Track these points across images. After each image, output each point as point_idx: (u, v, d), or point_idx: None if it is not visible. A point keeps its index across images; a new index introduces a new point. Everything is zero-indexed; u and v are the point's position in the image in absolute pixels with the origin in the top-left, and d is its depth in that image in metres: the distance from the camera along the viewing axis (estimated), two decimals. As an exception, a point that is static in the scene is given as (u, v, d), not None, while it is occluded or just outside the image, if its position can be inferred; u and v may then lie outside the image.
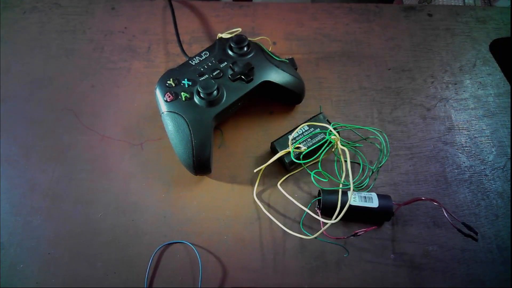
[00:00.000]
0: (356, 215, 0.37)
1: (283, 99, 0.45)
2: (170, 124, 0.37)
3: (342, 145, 0.37)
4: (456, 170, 0.42)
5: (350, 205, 0.35)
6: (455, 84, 0.48)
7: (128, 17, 0.53)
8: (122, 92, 0.46)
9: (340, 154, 0.39)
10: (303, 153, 0.38)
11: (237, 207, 0.39)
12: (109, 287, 0.35)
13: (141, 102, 0.46)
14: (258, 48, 0.42)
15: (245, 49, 0.41)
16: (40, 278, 0.35)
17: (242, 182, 0.40)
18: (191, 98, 0.38)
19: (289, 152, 0.38)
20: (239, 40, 0.41)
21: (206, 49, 0.42)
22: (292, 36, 0.51)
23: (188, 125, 0.37)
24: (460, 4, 0.67)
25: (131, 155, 0.42)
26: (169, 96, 0.38)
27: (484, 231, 0.38)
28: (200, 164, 0.37)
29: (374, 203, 0.36)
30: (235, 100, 0.39)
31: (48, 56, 0.49)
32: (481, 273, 0.36)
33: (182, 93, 0.38)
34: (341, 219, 0.34)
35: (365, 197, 0.37)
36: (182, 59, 0.48)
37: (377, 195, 0.37)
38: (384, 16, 0.54)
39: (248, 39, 0.42)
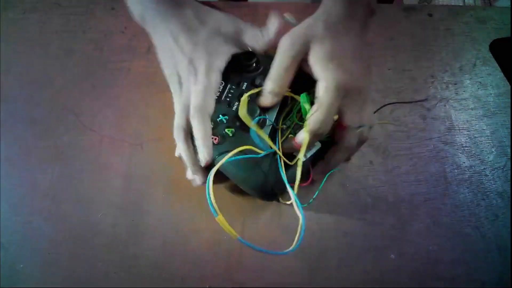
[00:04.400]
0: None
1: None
2: (232, 166, 0.34)
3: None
4: (456, 170, 0.42)
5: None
6: (455, 84, 0.48)
7: (128, 17, 0.52)
8: (122, 92, 0.46)
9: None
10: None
11: (237, 206, 0.39)
12: (109, 287, 0.35)
13: (141, 102, 0.45)
14: (264, 59, 0.40)
15: (254, 65, 0.39)
16: (40, 278, 0.35)
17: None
18: (237, 131, 0.35)
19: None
20: (248, 56, 0.38)
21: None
22: (292, 36, 0.51)
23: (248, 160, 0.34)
24: (460, 4, 0.67)
25: (131, 155, 0.42)
26: (215, 139, 0.35)
27: (484, 231, 0.38)
28: (279, 187, 0.35)
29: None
30: (277, 113, 0.36)
31: (48, 56, 0.49)
32: (481, 273, 0.36)
33: (226, 130, 0.35)
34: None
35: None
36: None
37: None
38: (384, 16, 0.54)
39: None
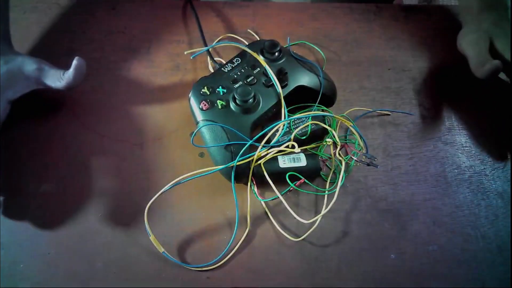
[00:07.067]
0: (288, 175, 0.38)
1: (315, 103, 0.43)
2: (207, 132, 0.37)
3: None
4: (456, 170, 0.42)
5: (281, 168, 0.38)
6: (455, 84, 0.48)
7: (128, 17, 0.53)
8: (122, 92, 0.46)
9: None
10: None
11: (238, 207, 0.39)
12: (109, 287, 0.35)
13: (141, 102, 0.45)
14: (289, 53, 0.42)
15: (277, 54, 0.41)
16: (40, 278, 0.35)
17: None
18: (227, 106, 0.38)
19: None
20: (271, 45, 0.41)
21: (237, 56, 0.42)
22: (292, 36, 0.51)
23: (226, 134, 0.37)
24: (460, 4, 0.67)
25: (131, 155, 0.42)
26: (205, 105, 0.38)
27: (484, 231, 0.38)
28: (240, 172, 0.37)
29: (303, 162, 0.38)
30: (270, 106, 0.38)
31: (48, 57, 0.49)
32: (481, 273, 0.36)
33: (218, 101, 0.38)
34: (275, 183, 0.36)
35: (293, 158, 0.38)
36: (182, 59, 0.48)
37: (305, 155, 0.39)
38: (384, 16, 0.54)
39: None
